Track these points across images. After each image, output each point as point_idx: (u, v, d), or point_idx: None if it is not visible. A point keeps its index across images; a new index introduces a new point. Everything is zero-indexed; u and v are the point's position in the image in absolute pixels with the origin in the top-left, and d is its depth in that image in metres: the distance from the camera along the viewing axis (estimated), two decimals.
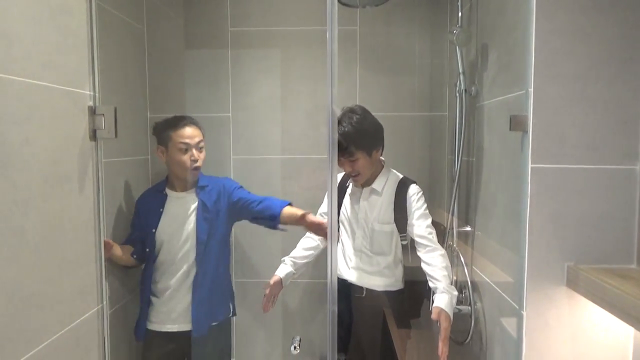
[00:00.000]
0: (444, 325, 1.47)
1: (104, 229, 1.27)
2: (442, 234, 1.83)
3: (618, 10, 1.13)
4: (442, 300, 1.51)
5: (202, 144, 1.79)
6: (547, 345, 1.18)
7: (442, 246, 1.71)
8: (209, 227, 1.77)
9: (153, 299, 1.80)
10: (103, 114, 1.24)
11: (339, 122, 1.66)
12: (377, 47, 2.17)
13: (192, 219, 1.78)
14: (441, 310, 1.49)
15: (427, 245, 1.63)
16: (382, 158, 1.80)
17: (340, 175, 1.89)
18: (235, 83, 2.19)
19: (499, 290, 1.43)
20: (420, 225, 1.68)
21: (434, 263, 1.58)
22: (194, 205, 1.80)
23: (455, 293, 1.56)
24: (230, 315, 1.92)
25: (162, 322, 1.79)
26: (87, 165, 1.21)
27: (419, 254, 1.66)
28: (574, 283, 1.15)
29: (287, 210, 1.75)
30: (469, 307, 1.63)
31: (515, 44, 1.34)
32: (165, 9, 2.18)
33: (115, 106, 1.25)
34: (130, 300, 1.93)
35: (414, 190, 1.73)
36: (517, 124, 1.20)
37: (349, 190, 1.85)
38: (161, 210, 1.79)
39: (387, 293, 1.81)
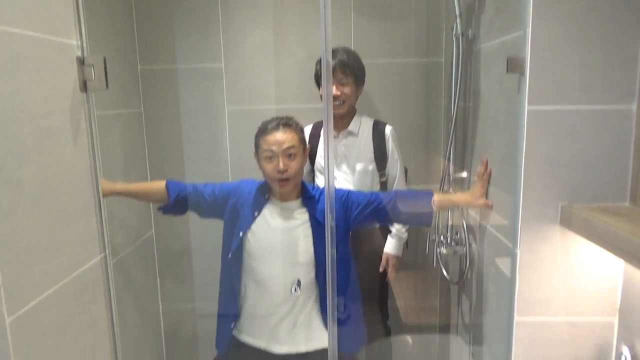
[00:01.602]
0: (392, 264, 1.85)
1: (100, 179, 1.27)
2: (438, 180, 1.85)
3: None
4: (390, 245, 1.86)
5: (293, 150, 1.53)
6: (539, 282, 1.22)
7: (439, 192, 1.76)
8: (323, 243, 1.51)
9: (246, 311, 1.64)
10: (92, 65, 1.21)
11: (334, 53, 1.71)
12: None
13: (300, 235, 1.58)
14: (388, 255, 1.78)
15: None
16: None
17: (309, 128, 1.90)
18: (226, 32, 2.14)
19: (493, 231, 1.46)
20: (396, 166, 1.86)
21: None
22: (302, 220, 1.59)
23: (405, 235, 1.87)
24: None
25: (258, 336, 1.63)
26: (79, 117, 1.20)
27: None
28: (568, 222, 1.17)
29: (438, 200, 1.62)
30: (464, 249, 1.67)
31: None
32: None
33: (104, 56, 1.22)
34: (131, 252, 1.97)
35: (390, 129, 1.87)
36: (514, 66, 1.19)
37: (322, 139, 1.87)
38: (256, 214, 1.59)
39: (374, 231, 1.87)
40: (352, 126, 1.88)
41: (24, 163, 0.98)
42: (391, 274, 1.91)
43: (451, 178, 1.82)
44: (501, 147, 1.41)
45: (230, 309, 1.64)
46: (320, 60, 1.76)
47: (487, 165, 1.49)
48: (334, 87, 1.76)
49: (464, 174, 1.78)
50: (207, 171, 2.19)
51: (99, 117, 1.29)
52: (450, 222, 1.80)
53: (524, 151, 1.18)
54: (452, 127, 1.76)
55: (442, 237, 1.80)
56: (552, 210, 1.20)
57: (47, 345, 1.04)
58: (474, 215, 1.65)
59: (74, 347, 1.15)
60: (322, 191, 1.62)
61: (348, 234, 1.63)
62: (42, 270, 1.03)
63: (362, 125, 1.89)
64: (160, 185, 1.65)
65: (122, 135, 1.97)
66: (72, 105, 1.16)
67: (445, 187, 1.80)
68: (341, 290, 1.59)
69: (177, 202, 1.64)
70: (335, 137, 1.88)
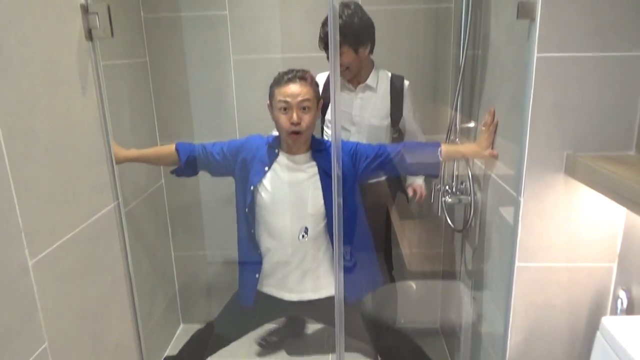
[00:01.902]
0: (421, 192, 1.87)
1: (110, 130, 1.29)
2: (444, 130, 1.85)
3: None
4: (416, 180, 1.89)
5: (307, 104, 1.52)
6: (542, 229, 1.25)
7: (445, 142, 1.77)
8: (332, 195, 1.54)
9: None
10: (96, 13, 1.20)
11: (340, 15, 1.64)
12: None
13: (310, 187, 1.59)
14: (415, 185, 1.81)
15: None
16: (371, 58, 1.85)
17: (323, 76, 1.87)
18: None
19: (498, 180, 1.47)
20: (414, 120, 1.86)
21: None
22: (311, 173, 1.60)
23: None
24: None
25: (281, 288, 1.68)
26: (86, 66, 1.20)
27: None
28: (572, 170, 1.18)
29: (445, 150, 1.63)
30: (469, 198, 1.69)
31: None
32: None
33: (107, 4, 1.20)
34: (142, 202, 2.02)
35: (407, 85, 1.85)
36: (524, 11, 1.16)
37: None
38: (266, 169, 1.60)
39: (379, 182, 1.89)
40: (370, 80, 1.85)
41: (36, 112, 0.99)
42: (424, 197, 1.95)
43: (458, 128, 1.82)
44: (509, 95, 1.40)
45: (253, 259, 1.67)
46: (322, 24, 1.76)
47: (494, 115, 1.49)
48: (341, 57, 1.71)
49: (471, 124, 1.78)
50: (214, 121, 2.20)
51: (105, 67, 1.29)
52: (455, 172, 1.82)
53: (531, 99, 1.17)
54: (461, 75, 1.73)
55: (447, 186, 1.82)
56: (557, 159, 1.20)
57: (67, 286, 1.10)
58: (479, 164, 1.67)
59: (93, 289, 1.21)
60: (330, 143, 1.63)
61: (356, 186, 1.65)
62: (59, 217, 1.07)
63: (380, 80, 1.86)
64: (170, 148, 1.67)
65: (128, 85, 1.97)
66: (78, 54, 1.16)
67: (452, 137, 1.80)
68: (349, 240, 1.63)
69: (188, 164, 1.67)
70: (352, 90, 1.86)
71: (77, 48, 1.16)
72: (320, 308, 1.66)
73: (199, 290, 2.43)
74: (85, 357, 1.18)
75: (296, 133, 1.53)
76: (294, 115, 1.50)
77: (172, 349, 2.27)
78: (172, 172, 1.70)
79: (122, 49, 1.92)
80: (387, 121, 1.85)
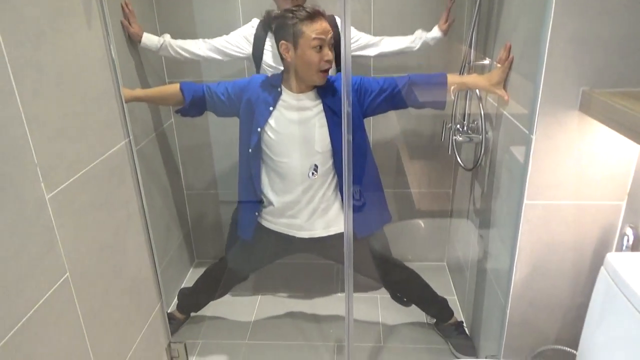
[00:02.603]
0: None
1: (118, 65, 1.28)
2: (457, 68, 1.80)
3: None
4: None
5: (333, 41, 1.51)
6: (552, 167, 1.24)
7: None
8: (339, 132, 1.56)
9: (268, 200, 1.70)
10: None
11: None
12: None
13: (316, 125, 1.58)
14: None
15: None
16: None
17: (255, 23, 1.86)
18: None
19: (511, 118, 1.45)
20: (365, 38, 1.87)
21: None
22: (317, 110, 1.58)
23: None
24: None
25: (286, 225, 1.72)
26: None
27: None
28: (586, 107, 1.16)
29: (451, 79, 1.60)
30: (480, 137, 1.68)
31: None
32: None
33: None
34: (152, 140, 2.03)
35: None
36: None
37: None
38: (271, 109, 1.58)
39: None
40: None
41: (41, 45, 0.98)
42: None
43: (471, 65, 1.77)
44: (526, 29, 1.35)
45: (252, 199, 1.71)
46: None
47: (509, 51, 1.44)
48: None
49: (486, 61, 1.73)
50: (223, 68, 2.14)
51: (110, 1, 1.26)
52: (467, 111, 1.79)
53: (549, 31, 1.13)
54: (477, 8, 1.66)
55: (458, 125, 1.80)
56: (572, 95, 1.18)
57: (85, 220, 1.13)
58: (492, 102, 1.64)
59: (110, 222, 1.25)
60: (334, 80, 1.60)
61: (363, 121, 1.64)
62: (73, 153, 1.08)
63: None
64: (174, 88, 1.66)
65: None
66: None
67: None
68: (358, 179, 1.65)
69: (193, 104, 1.66)
70: None
71: None
72: (329, 245, 1.71)
73: (211, 228, 2.50)
74: (105, 287, 1.23)
75: (326, 71, 1.52)
76: (329, 52, 1.48)
77: (188, 282, 2.37)
78: (177, 111, 1.70)
79: None
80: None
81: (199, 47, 1.87)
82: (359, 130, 1.61)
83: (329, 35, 1.48)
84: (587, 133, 1.20)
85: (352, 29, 1.87)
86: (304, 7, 1.51)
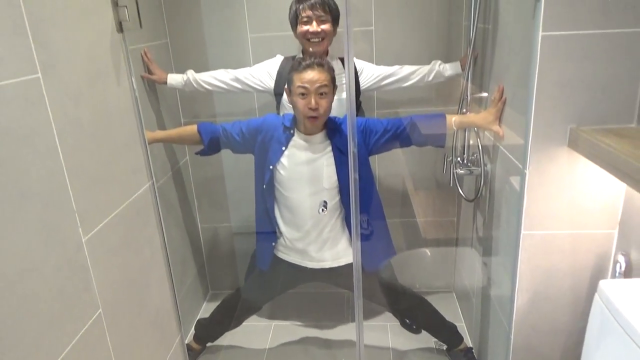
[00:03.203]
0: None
1: (142, 116, 1.40)
2: (456, 100, 1.91)
3: None
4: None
5: (325, 89, 1.59)
6: (546, 199, 1.33)
7: (457, 112, 1.84)
8: (346, 170, 1.61)
9: (281, 233, 1.81)
10: (125, 5, 1.28)
11: None
12: None
13: (324, 164, 1.69)
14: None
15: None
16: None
17: (278, 60, 1.97)
18: None
19: (506, 152, 1.55)
20: (377, 69, 1.95)
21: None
22: (326, 151, 1.69)
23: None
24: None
25: (299, 257, 1.82)
26: (119, 58, 1.30)
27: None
28: (575, 143, 1.25)
29: (450, 120, 1.71)
30: (479, 169, 1.77)
31: None
32: None
33: None
34: (170, 178, 2.14)
35: (359, 61, 1.97)
36: None
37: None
38: (284, 148, 1.69)
39: None
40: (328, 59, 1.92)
41: (80, 103, 1.10)
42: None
43: (469, 99, 1.88)
44: (516, 70, 1.46)
45: (268, 231, 1.82)
46: (295, 1, 1.85)
47: (502, 93, 1.55)
48: (315, 24, 1.81)
49: (483, 94, 1.83)
50: (233, 98, 2.28)
51: (131, 52, 1.38)
52: (466, 144, 1.89)
53: (536, 75, 1.23)
54: (471, 48, 1.78)
55: (458, 158, 1.90)
56: (561, 133, 1.27)
57: (115, 259, 1.23)
58: (489, 136, 1.74)
59: (136, 261, 1.34)
60: (341, 122, 1.72)
61: (368, 159, 1.75)
62: (105, 197, 1.19)
63: (334, 61, 1.94)
64: (192, 129, 1.80)
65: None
66: (111, 46, 1.26)
67: (464, 110, 1.86)
68: (364, 209, 1.74)
69: (211, 145, 1.79)
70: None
71: (110, 41, 1.26)
72: (339, 275, 1.80)
73: (225, 259, 2.58)
74: (132, 321, 1.32)
75: (314, 117, 1.61)
76: (312, 101, 1.57)
77: (203, 313, 2.45)
78: (197, 153, 1.83)
79: (145, 32, 2.01)
80: (344, 93, 1.90)
81: (222, 77, 1.99)
82: (364, 168, 1.71)
83: (316, 85, 1.57)
84: (576, 167, 1.29)
85: (369, 64, 1.98)
86: (310, 56, 1.65)
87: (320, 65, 1.60)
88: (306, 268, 1.81)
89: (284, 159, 1.70)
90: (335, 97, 1.75)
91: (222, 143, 1.79)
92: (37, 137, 0.95)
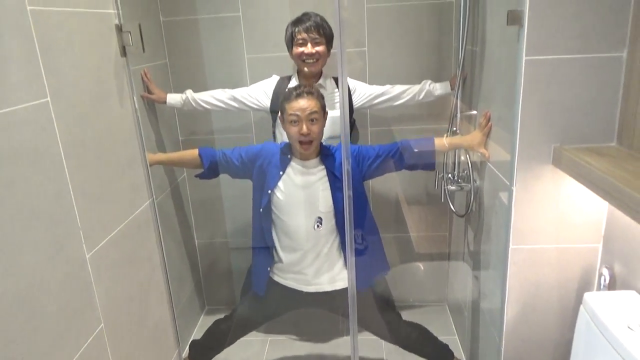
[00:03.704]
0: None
1: (143, 136, 1.45)
2: (447, 118, 1.97)
3: None
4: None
5: (315, 116, 1.67)
6: (533, 215, 1.38)
7: (447, 131, 1.91)
8: (340, 195, 1.71)
9: (278, 257, 1.85)
10: (129, 31, 1.34)
11: (307, 16, 1.90)
12: None
13: (319, 188, 1.75)
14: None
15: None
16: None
17: (274, 80, 2.04)
18: None
19: (494, 169, 1.61)
20: (370, 88, 2.01)
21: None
22: (321, 175, 1.76)
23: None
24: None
25: (296, 280, 1.85)
26: (122, 81, 1.35)
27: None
28: (558, 162, 1.31)
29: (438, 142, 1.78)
30: (469, 185, 1.83)
31: None
32: None
33: (139, 22, 1.35)
34: (168, 195, 2.18)
35: (352, 80, 2.04)
36: (513, 18, 1.28)
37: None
38: (281, 173, 1.76)
39: None
40: (321, 81, 2.01)
41: (86, 125, 1.15)
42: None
43: (458, 118, 1.94)
44: (502, 91, 1.52)
45: (265, 256, 1.86)
46: (291, 24, 1.93)
47: (489, 119, 1.62)
48: (309, 45, 1.88)
49: (472, 112, 1.90)
50: (231, 117, 2.34)
51: (132, 72, 1.43)
52: (457, 161, 1.95)
53: (521, 97, 1.30)
54: (460, 69, 1.85)
55: (449, 174, 1.95)
56: (545, 151, 1.33)
57: (117, 275, 1.27)
58: (478, 154, 1.80)
59: (137, 277, 1.38)
60: (336, 149, 1.80)
61: (362, 184, 1.82)
62: (108, 215, 1.24)
63: (328, 81, 2.03)
64: (193, 154, 1.85)
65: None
66: (115, 70, 1.32)
67: (454, 129, 1.92)
68: (359, 226, 1.79)
69: (210, 169, 1.85)
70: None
71: (114, 65, 1.31)
72: (334, 299, 1.84)
73: (221, 275, 2.61)
74: (132, 335, 1.36)
75: (307, 143, 1.69)
76: (304, 127, 1.65)
77: (199, 328, 2.47)
78: (197, 175, 1.89)
79: (145, 53, 2.06)
80: (336, 114, 1.95)
81: (219, 97, 2.05)
82: (359, 192, 1.78)
83: (307, 112, 1.65)
84: (561, 184, 1.35)
85: (361, 84, 2.05)
86: (300, 85, 1.75)
87: (310, 93, 1.68)
88: (302, 292, 1.85)
89: (281, 183, 1.76)
90: (330, 115, 1.82)
91: (221, 167, 1.85)
92: (45, 158, 0.99)
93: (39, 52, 0.98)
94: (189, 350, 2.15)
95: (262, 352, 2.29)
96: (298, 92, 1.67)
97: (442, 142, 1.79)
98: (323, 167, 1.75)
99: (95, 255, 1.16)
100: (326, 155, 1.76)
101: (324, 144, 1.79)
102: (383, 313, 1.93)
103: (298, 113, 1.65)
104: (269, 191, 1.76)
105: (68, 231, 1.06)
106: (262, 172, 1.79)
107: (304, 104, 1.66)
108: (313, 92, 1.69)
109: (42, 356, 0.96)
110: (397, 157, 1.77)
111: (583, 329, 1.23)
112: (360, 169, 1.78)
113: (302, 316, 2.48)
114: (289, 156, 1.78)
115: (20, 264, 0.90)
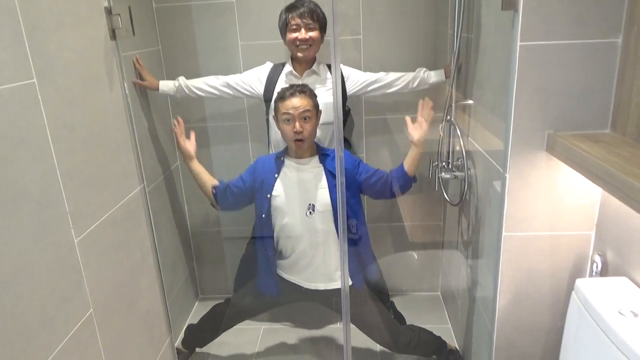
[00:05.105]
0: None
1: (134, 121, 1.43)
2: (442, 107, 1.96)
3: None
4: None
5: (308, 114, 1.72)
6: (526, 202, 1.38)
7: (442, 119, 1.90)
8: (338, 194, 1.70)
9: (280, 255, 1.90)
10: (119, 14, 1.32)
11: (301, 2, 1.90)
12: None
13: (316, 186, 1.79)
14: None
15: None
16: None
17: (268, 67, 2.04)
18: None
19: (488, 157, 1.60)
20: (365, 75, 2.02)
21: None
22: (318, 173, 1.80)
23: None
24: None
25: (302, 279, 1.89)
26: (112, 64, 1.33)
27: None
28: (552, 148, 1.30)
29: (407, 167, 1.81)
30: (463, 173, 1.82)
31: None
32: None
33: (129, 5, 1.33)
34: (161, 182, 2.17)
35: (346, 67, 2.03)
36: (508, 3, 1.26)
37: (282, 78, 2.01)
38: (276, 176, 1.81)
39: None
40: (314, 67, 2.00)
41: (74, 108, 1.14)
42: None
43: (454, 106, 1.93)
44: (497, 78, 1.51)
45: (269, 259, 1.89)
46: (285, 10, 1.93)
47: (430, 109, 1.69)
48: (303, 31, 1.88)
49: (468, 101, 1.89)
50: (224, 104, 2.32)
51: (124, 59, 1.41)
52: (451, 149, 1.94)
53: (515, 83, 1.28)
54: (455, 57, 1.84)
55: (444, 163, 1.95)
56: (539, 138, 1.32)
57: (107, 261, 1.26)
58: (472, 142, 1.79)
59: (127, 263, 1.37)
60: (333, 151, 1.81)
61: (358, 187, 1.83)
62: (97, 200, 1.22)
63: (321, 67, 2.02)
64: (210, 186, 1.91)
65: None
66: (105, 53, 1.29)
67: (448, 117, 1.91)
68: (353, 217, 1.80)
69: (222, 201, 1.90)
70: (298, 77, 2.00)
71: (104, 48, 1.29)
72: (331, 296, 1.88)
73: (215, 264, 2.61)
74: (122, 321, 1.35)
75: (300, 140, 1.73)
76: (297, 125, 1.70)
77: (192, 317, 2.47)
78: (212, 205, 1.95)
79: (137, 40, 2.04)
80: (330, 99, 1.95)
81: (213, 83, 2.03)
82: (354, 194, 1.82)
83: (300, 110, 1.70)
84: (554, 171, 1.35)
85: (355, 71, 2.04)
86: (293, 85, 1.76)
87: (303, 92, 1.73)
88: (302, 287, 1.88)
89: (277, 185, 1.80)
90: (324, 102, 1.81)
91: (232, 195, 1.89)
92: (31, 140, 0.98)
93: (25, 32, 0.96)
94: (185, 334, 2.16)
95: (255, 340, 2.29)
96: (291, 92, 1.72)
97: (407, 166, 1.81)
98: (321, 166, 1.80)
99: (84, 240, 1.15)
100: (324, 155, 1.81)
101: (320, 145, 1.83)
102: (381, 317, 1.93)
103: (291, 111, 1.70)
104: (268, 195, 1.80)
105: (55, 215, 1.05)
106: (261, 183, 1.84)
107: (296, 102, 1.70)
108: (306, 91, 1.74)
109: (29, 341, 0.95)
110: (387, 184, 1.82)
111: (574, 314, 1.23)
112: (357, 174, 1.82)
113: (297, 306, 2.49)
114: (282, 159, 1.82)
115: (5, 246, 0.89)
